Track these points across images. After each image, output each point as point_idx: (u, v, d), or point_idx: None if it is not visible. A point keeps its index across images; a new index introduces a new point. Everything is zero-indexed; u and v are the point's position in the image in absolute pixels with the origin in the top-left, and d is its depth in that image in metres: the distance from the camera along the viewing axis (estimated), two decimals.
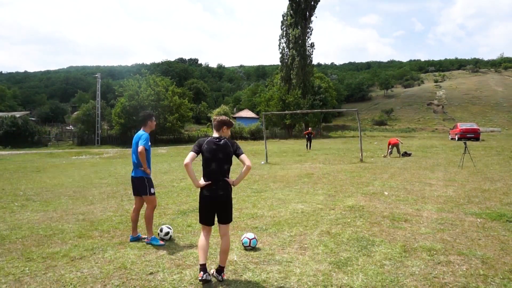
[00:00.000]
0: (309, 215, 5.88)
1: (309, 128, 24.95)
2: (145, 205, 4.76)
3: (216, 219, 3.53)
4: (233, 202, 3.63)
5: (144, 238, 4.72)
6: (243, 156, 3.44)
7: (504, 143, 23.39)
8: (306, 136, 23.41)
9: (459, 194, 7.47)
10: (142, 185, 4.61)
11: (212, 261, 3.91)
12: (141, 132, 4.65)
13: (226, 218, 3.49)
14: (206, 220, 3.49)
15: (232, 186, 3.50)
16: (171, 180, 10.18)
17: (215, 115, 55.88)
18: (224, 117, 3.62)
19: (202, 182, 3.44)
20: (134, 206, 4.79)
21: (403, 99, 74.66)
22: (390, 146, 17.05)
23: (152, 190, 4.64)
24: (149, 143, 4.64)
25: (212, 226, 3.56)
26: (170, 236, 4.72)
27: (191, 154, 3.40)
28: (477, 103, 64.50)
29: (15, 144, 32.01)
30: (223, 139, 3.48)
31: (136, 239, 4.71)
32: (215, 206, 3.44)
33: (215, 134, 3.56)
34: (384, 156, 17.08)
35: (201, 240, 3.47)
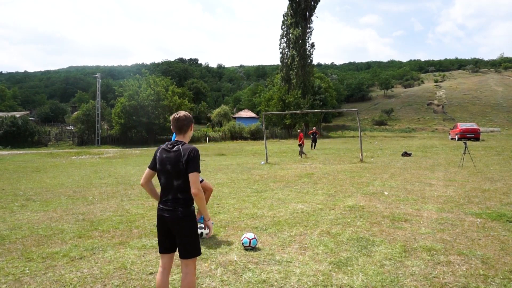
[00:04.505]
0: (309, 215, 5.87)
1: (314, 128, 25.32)
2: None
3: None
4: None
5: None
6: (191, 176, 2.47)
7: (504, 143, 23.40)
8: (311, 136, 23.58)
9: (459, 194, 7.47)
10: None
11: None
12: None
13: (181, 248, 2.55)
14: (159, 243, 2.68)
15: (191, 208, 2.59)
16: None
17: (215, 115, 55.55)
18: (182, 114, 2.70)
19: None
20: None
21: (403, 99, 74.63)
22: (299, 145, 16.99)
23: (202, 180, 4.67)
24: None
25: (173, 259, 2.75)
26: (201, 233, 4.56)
27: (146, 171, 2.70)
28: (477, 103, 64.46)
29: (15, 144, 32.04)
30: (177, 144, 2.59)
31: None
32: (165, 228, 2.60)
33: (176, 137, 2.73)
34: (304, 155, 16.93)
35: (157, 277, 2.68)
